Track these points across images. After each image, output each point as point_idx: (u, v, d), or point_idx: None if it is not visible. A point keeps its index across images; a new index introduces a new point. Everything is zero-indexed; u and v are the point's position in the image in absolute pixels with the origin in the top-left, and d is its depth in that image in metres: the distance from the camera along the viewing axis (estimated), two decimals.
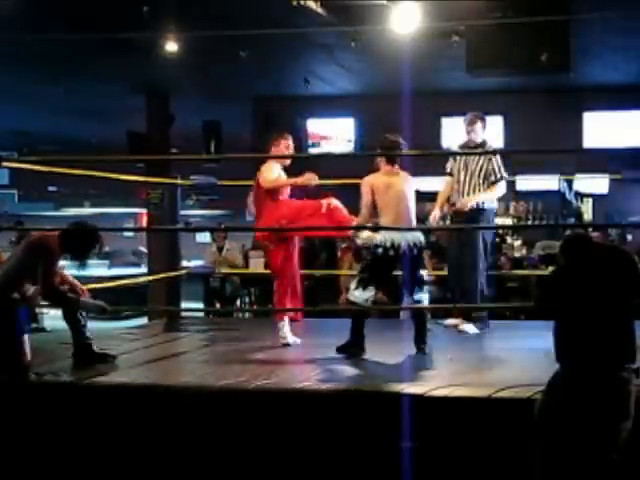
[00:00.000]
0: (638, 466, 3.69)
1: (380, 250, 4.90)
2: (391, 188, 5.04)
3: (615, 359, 3.28)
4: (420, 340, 5.04)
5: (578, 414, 3.23)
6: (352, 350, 4.92)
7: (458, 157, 6.13)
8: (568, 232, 3.73)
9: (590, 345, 3.27)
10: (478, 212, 5.95)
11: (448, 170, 6.22)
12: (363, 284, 4.92)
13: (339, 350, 4.91)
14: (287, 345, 5.30)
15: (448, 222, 6.81)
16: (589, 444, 3.24)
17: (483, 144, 6.10)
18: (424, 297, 5.17)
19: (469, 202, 5.92)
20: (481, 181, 5.96)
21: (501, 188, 6.01)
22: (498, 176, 5.95)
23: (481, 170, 5.96)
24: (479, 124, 6.08)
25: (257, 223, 5.50)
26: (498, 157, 6.00)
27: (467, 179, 6.01)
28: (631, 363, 3.30)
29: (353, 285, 4.99)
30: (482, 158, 5.96)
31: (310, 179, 5.41)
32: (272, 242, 5.37)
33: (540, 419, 3.34)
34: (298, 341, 5.38)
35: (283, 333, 5.34)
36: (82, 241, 4.60)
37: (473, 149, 6.11)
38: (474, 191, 5.97)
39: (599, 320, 3.29)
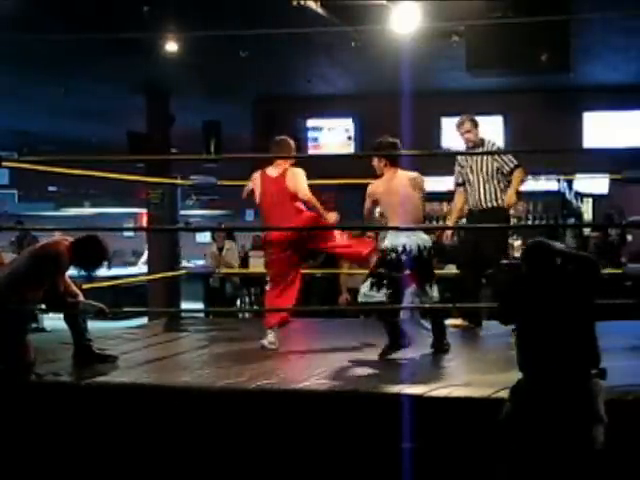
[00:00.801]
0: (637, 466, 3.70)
1: (393, 254, 4.91)
2: (392, 195, 5.03)
3: (578, 364, 3.28)
4: (440, 339, 5.04)
5: (545, 423, 3.21)
6: (393, 352, 4.90)
7: (464, 164, 6.08)
8: (531, 240, 3.70)
9: (552, 352, 3.27)
10: (503, 209, 5.95)
11: (457, 181, 6.18)
12: (377, 286, 4.92)
13: (382, 355, 4.84)
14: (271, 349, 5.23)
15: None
16: (561, 451, 3.20)
17: (482, 142, 6.07)
18: (436, 297, 5.17)
19: (512, 198, 5.90)
20: (497, 177, 5.92)
21: (522, 172, 5.96)
22: (512, 165, 5.90)
23: (492, 167, 5.93)
24: (468, 124, 6.06)
25: (276, 223, 5.42)
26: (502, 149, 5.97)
27: (481, 180, 5.96)
28: (595, 366, 3.31)
29: (366, 287, 4.98)
30: (488, 156, 5.94)
31: (332, 218, 5.55)
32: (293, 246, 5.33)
33: (506, 430, 3.31)
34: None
35: (271, 338, 5.30)
36: (93, 255, 4.61)
37: (473, 149, 6.10)
38: (493, 189, 5.93)
39: (560, 326, 3.29)
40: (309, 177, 5.45)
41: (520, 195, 6.07)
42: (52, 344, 5.40)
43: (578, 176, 11.32)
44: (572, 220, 12.29)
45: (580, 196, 12.84)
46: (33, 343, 4.62)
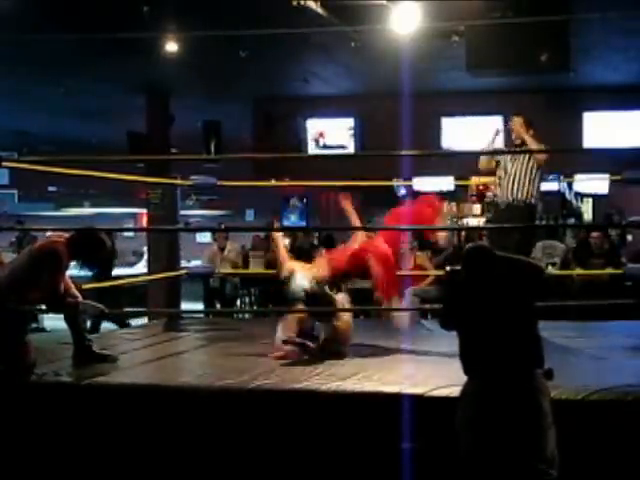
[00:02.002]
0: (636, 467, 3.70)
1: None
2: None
3: (521, 366, 3.26)
4: None
5: (495, 427, 3.18)
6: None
7: (502, 157, 6.08)
8: (470, 245, 3.70)
9: (494, 355, 3.26)
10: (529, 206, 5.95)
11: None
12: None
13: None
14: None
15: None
16: (512, 456, 3.15)
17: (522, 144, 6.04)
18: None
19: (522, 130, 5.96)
20: (532, 173, 5.92)
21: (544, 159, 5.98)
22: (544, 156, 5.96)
23: (530, 163, 5.91)
24: (520, 120, 6.05)
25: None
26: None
27: (517, 173, 5.94)
28: (540, 367, 3.29)
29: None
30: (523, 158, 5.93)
31: None
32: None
33: (459, 436, 3.31)
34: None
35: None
36: (90, 247, 4.58)
37: (521, 146, 6.07)
38: (525, 184, 5.92)
39: (500, 330, 3.27)
40: (309, 177, 5.46)
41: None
42: (52, 344, 5.40)
43: (578, 176, 11.32)
44: (572, 220, 12.31)
45: (580, 196, 12.86)
46: (33, 343, 4.62)
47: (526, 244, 5.87)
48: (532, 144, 5.97)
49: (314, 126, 12.14)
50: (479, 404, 3.26)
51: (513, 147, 6.23)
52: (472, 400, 3.29)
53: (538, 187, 6.00)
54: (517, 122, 6.06)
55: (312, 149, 11.99)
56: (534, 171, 5.92)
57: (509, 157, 6.02)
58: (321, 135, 12.08)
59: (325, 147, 12.11)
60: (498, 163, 6.10)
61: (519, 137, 6.06)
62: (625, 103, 10.97)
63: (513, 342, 3.27)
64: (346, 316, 5.07)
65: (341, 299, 5.15)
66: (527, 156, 5.91)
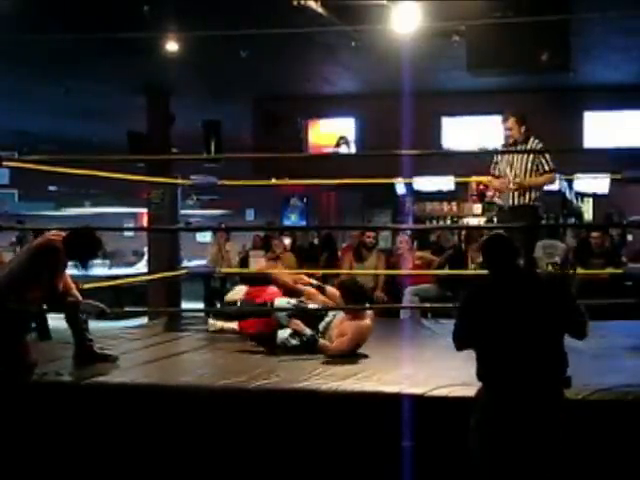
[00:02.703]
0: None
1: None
2: None
3: (546, 376, 3.24)
4: None
5: (512, 437, 3.19)
6: None
7: (502, 157, 6.03)
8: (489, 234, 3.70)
9: (519, 365, 3.22)
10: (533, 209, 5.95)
11: (493, 173, 6.13)
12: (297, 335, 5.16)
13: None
14: None
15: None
16: (532, 461, 3.19)
17: (526, 139, 5.96)
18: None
19: (527, 181, 5.87)
20: (532, 176, 5.87)
21: (549, 177, 5.94)
22: (547, 168, 5.86)
23: (529, 166, 5.86)
24: (511, 120, 5.97)
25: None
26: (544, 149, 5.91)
27: (516, 177, 5.92)
28: (562, 375, 3.28)
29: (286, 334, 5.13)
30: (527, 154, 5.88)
31: None
32: None
33: (475, 445, 3.29)
34: None
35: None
36: (85, 246, 4.58)
37: (514, 146, 6.01)
38: (521, 189, 5.91)
39: (531, 344, 3.23)
40: (309, 177, 5.47)
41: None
42: (52, 344, 5.40)
43: (578, 176, 11.31)
44: (572, 220, 12.30)
45: (580, 196, 12.85)
46: (33, 343, 4.62)
47: (529, 246, 5.86)
48: (530, 144, 5.95)
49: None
50: (499, 413, 3.22)
51: (507, 146, 6.16)
52: (494, 412, 3.24)
53: (540, 189, 5.97)
54: (511, 122, 5.99)
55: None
56: (530, 173, 5.87)
57: (505, 162, 5.96)
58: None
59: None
60: (496, 165, 6.07)
61: (512, 137, 6.01)
62: (625, 103, 10.96)
63: (539, 351, 3.24)
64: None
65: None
66: (528, 156, 5.86)
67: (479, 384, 3.99)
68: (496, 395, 3.26)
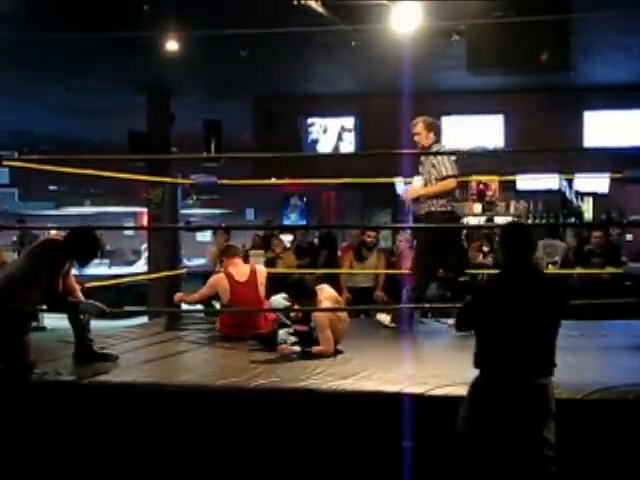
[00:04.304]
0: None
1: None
2: None
3: (541, 364, 3.41)
4: None
5: (503, 422, 3.33)
6: None
7: (421, 166, 6.06)
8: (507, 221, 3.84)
9: (518, 351, 3.37)
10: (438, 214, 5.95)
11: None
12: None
13: None
14: None
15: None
16: (521, 442, 3.34)
17: (431, 147, 6.00)
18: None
19: (414, 192, 5.98)
20: (435, 184, 5.90)
21: (447, 185, 5.89)
22: (444, 174, 5.86)
23: (432, 174, 5.89)
24: (419, 126, 6.00)
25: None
26: (444, 158, 5.90)
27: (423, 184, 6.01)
28: (553, 365, 3.44)
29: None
30: (429, 161, 5.92)
31: None
32: None
33: (464, 430, 3.42)
34: None
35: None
36: (85, 246, 4.58)
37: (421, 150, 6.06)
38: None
39: (531, 332, 3.40)
40: (309, 177, 5.48)
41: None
42: (52, 343, 5.40)
43: (578, 175, 11.31)
44: (572, 219, 12.30)
45: (580, 195, 12.84)
46: (32, 342, 4.61)
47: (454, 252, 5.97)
48: (434, 149, 5.97)
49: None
50: (493, 398, 3.35)
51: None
52: (487, 392, 3.39)
53: (449, 194, 5.95)
54: (419, 127, 5.99)
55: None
56: (434, 181, 5.88)
57: (421, 169, 6.00)
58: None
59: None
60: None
61: (419, 143, 6.01)
62: (625, 102, 10.97)
63: (538, 345, 3.41)
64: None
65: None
66: (430, 164, 5.87)
67: None
68: (490, 378, 3.40)
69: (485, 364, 3.44)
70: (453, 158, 5.92)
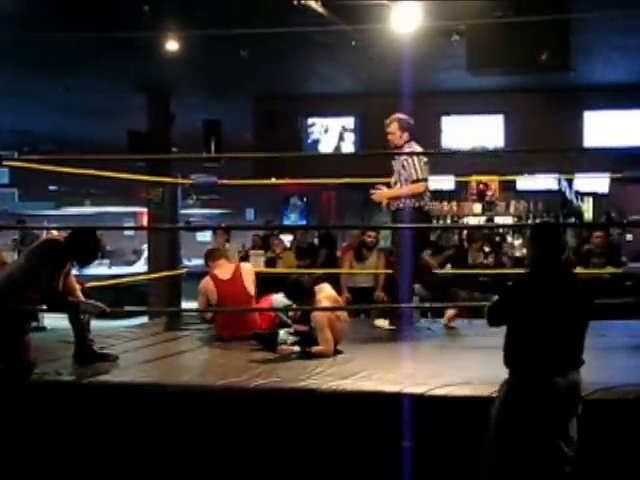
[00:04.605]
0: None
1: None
2: None
3: (572, 363, 3.46)
4: None
5: (537, 420, 3.36)
6: None
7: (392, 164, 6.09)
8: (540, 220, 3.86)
9: (551, 350, 3.40)
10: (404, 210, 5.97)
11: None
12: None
13: None
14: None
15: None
16: (551, 443, 3.37)
17: (403, 146, 6.00)
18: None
19: (385, 194, 5.96)
20: (404, 184, 5.91)
21: (417, 188, 5.90)
22: (414, 177, 5.86)
23: (402, 174, 5.90)
24: (393, 125, 6.00)
25: None
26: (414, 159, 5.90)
27: (393, 183, 6.02)
28: (580, 365, 3.49)
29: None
30: (401, 161, 5.93)
31: None
32: None
33: (499, 428, 3.42)
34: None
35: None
36: (86, 247, 4.58)
37: (395, 150, 6.07)
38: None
39: (562, 327, 3.43)
40: (309, 176, 5.48)
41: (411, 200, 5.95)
42: (52, 343, 5.40)
43: (578, 175, 11.32)
44: (572, 219, 12.31)
45: (580, 195, 12.85)
46: (32, 342, 4.61)
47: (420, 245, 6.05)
48: (406, 149, 5.96)
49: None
50: (528, 393, 3.37)
51: (391, 150, 6.21)
52: (521, 390, 3.39)
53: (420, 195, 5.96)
54: (393, 126, 5.99)
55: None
56: (404, 181, 5.89)
57: (395, 162, 6.01)
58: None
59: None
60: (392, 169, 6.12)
61: (392, 142, 6.02)
62: (625, 102, 10.97)
63: (571, 344, 3.47)
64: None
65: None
66: (400, 165, 5.88)
67: (479, 384, 4.00)
68: (524, 376, 3.41)
69: (518, 362, 3.44)
70: (424, 160, 5.91)
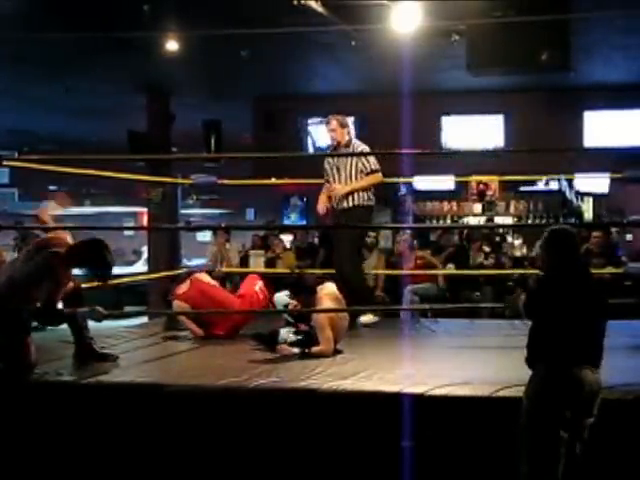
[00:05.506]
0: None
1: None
2: None
3: (592, 361, 3.45)
4: None
5: (562, 416, 3.36)
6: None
7: (332, 162, 6.16)
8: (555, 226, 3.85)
9: (573, 348, 3.41)
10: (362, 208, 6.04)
11: (326, 178, 6.25)
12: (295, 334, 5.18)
13: None
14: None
15: None
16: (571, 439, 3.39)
17: (349, 143, 6.12)
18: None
19: (343, 189, 6.01)
20: (358, 177, 6.00)
21: (375, 178, 6.03)
22: (370, 168, 5.99)
23: (355, 168, 6.00)
24: (333, 123, 6.09)
25: None
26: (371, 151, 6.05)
27: (343, 180, 6.06)
28: (600, 362, 3.50)
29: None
30: (353, 157, 6.03)
31: None
32: None
33: (530, 427, 3.42)
34: None
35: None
36: (92, 260, 4.54)
37: (337, 148, 6.17)
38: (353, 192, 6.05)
39: (583, 325, 3.45)
40: (309, 176, 5.49)
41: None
42: (52, 343, 5.40)
43: (578, 175, 11.32)
44: (572, 219, 12.30)
45: (580, 195, 12.85)
46: (33, 342, 4.62)
47: (360, 242, 6.34)
48: (352, 147, 6.07)
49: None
50: (559, 390, 3.38)
51: (332, 149, 6.32)
52: (551, 387, 3.40)
53: (371, 189, 6.08)
54: (334, 124, 6.08)
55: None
56: (357, 175, 5.98)
57: (335, 167, 6.09)
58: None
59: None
60: (325, 171, 6.19)
61: (335, 139, 6.11)
62: (625, 102, 10.98)
63: (593, 342, 3.48)
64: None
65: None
66: (352, 160, 5.98)
67: (479, 384, 4.00)
68: (553, 372, 3.41)
69: (546, 359, 3.46)
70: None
